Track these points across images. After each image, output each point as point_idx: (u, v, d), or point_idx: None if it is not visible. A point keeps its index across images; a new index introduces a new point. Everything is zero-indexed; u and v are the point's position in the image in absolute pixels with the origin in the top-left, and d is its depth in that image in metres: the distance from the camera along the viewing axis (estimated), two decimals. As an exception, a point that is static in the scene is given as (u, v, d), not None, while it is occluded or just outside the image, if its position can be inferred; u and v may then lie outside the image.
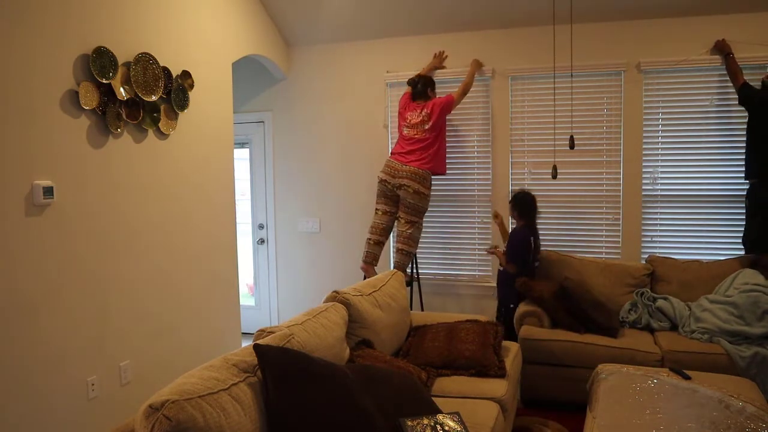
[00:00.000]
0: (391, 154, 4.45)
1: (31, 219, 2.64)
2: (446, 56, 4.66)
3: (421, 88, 4.43)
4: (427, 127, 4.29)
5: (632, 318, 3.85)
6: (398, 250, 4.39)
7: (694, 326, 3.57)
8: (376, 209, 4.49)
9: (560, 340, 3.58)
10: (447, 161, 4.53)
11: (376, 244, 4.49)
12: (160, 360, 3.43)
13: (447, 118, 4.46)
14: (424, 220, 4.45)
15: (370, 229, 4.52)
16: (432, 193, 4.57)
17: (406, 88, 4.56)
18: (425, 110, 4.33)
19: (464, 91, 4.40)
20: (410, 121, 4.37)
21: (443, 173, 4.47)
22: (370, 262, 4.50)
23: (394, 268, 4.40)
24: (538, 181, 4.58)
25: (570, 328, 3.69)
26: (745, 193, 4.06)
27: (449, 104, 4.34)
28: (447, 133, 4.62)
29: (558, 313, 3.77)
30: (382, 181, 4.39)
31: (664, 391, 2.60)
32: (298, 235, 5.21)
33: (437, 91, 4.52)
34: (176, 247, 3.58)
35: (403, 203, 4.33)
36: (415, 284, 4.65)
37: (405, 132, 4.39)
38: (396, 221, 4.44)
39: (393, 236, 4.66)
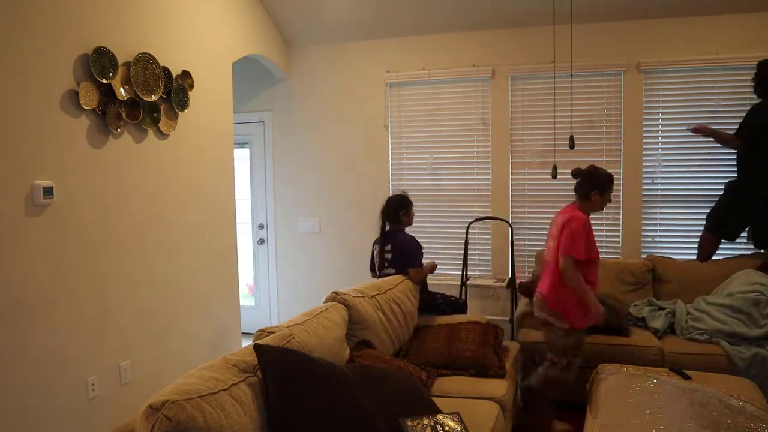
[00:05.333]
0: None
1: (31, 219, 2.64)
2: None
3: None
4: None
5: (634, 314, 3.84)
6: None
7: (691, 327, 3.56)
8: None
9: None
10: (448, 161, 4.49)
11: None
12: (160, 360, 3.43)
13: (445, 115, 4.42)
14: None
15: None
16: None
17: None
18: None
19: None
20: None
21: None
22: None
23: None
24: (538, 181, 4.58)
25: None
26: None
27: None
28: (446, 133, 4.68)
29: None
30: None
31: (664, 391, 2.60)
32: (298, 235, 5.21)
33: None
34: (176, 246, 3.58)
35: None
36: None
37: None
38: None
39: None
